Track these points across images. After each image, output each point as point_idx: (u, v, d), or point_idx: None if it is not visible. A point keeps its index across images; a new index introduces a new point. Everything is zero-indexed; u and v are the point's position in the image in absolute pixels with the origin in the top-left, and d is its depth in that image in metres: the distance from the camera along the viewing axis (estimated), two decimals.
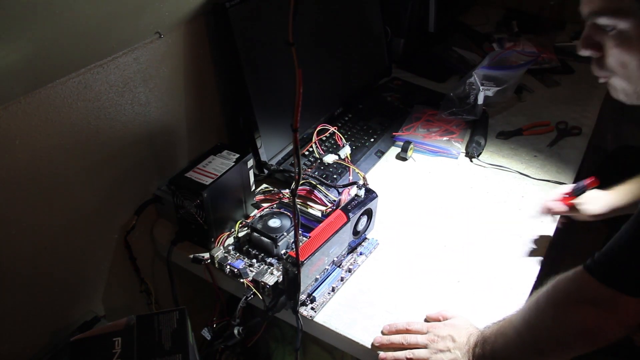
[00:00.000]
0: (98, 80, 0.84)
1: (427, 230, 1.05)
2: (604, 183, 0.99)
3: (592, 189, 0.98)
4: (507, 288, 0.93)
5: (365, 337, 0.85)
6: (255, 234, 0.95)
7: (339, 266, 0.95)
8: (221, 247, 0.97)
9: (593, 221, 0.98)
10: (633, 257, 0.63)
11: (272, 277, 0.91)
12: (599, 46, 0.64)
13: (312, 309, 0.88)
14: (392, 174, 1.20)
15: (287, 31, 0.52)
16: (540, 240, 1.02)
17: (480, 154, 1.25)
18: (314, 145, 1.08)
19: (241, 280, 0.91)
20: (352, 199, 0.95)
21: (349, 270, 0.95)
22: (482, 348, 0.77)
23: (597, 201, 0.96)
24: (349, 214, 0.91)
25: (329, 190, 1.03)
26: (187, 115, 1.05)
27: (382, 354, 0.83)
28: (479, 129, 1.29)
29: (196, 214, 0.93)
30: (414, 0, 1.51)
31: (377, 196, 0.97)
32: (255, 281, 0.90)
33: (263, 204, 1.05)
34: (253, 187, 1.04)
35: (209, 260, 0.95)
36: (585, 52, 0.66)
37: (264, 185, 1.12)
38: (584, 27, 0.66)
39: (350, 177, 1.06)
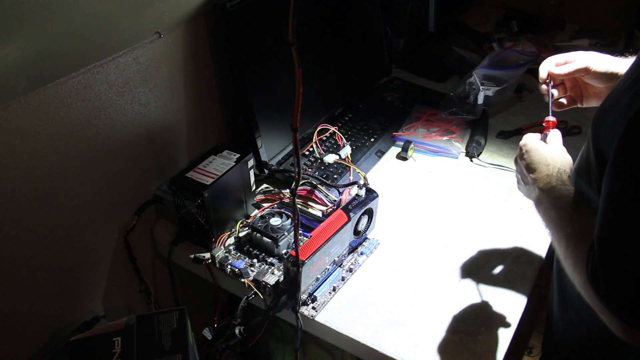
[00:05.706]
0: (98, 80, 0.84)
1: (427, 229, 1.05)
2: None
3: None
4: (508, 288, 0.93)
5: (366, 336, 0.85)
6: (256, 233, 0.95)
7: (340, 266, 0.95)
8: (222, 247, 0.97)
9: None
10: None
11: (273, 276, 0.91)
12: None
13: (314, 308, 0.88)
14: (393, 173, 1.20)
15: (287, 31, 0.52)
16: (541, 240, 1.02)
17: (481, 153, 1.25)
18: (314, 145, 1.08)
19: (242, 280, 0.91)
20: (353, 199, 0.95)
21: (350, 270, 0.95)
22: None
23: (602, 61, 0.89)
24: (350, 213, 0.91)
25: (329, 190, 1.03)
26: (187, 115, 1.05)
27: None
28: (479, 128, 1.29)
29: (197, 214, 0.93)
30: (414, 0, 1.51)
31: (377, 196, 0.97)
32: (256, 281, 0.90)
33: (264, 204, 1.05)
34: (253, 187, 1.04)
35: (210, 260, 0.95)
36: None
37: (265, 185, 1.11)
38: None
39: (351, 177, 1.05)
